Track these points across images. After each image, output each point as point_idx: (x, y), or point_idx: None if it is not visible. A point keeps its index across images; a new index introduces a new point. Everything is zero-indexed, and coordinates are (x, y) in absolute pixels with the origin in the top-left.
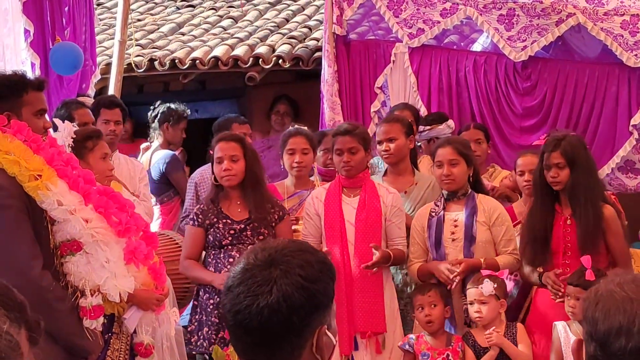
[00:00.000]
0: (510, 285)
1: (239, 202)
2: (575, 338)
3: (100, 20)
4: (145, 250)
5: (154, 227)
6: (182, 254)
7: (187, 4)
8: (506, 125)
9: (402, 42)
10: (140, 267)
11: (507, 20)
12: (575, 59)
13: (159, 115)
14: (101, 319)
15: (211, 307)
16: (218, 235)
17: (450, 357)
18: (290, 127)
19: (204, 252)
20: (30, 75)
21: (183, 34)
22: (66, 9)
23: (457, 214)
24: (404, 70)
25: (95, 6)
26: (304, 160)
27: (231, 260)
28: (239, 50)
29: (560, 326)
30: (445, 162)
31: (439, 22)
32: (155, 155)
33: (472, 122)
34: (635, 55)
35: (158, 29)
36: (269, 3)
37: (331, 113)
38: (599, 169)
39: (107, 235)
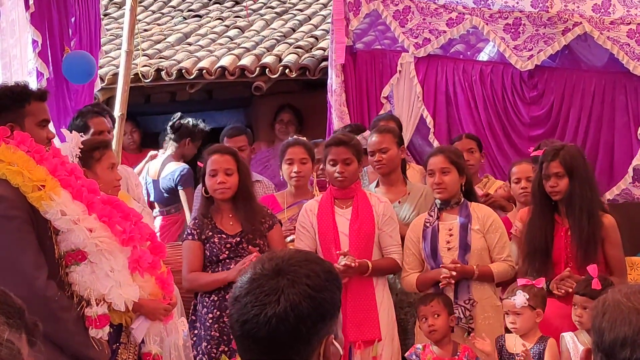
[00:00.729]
0: None
1: (230, 215)
2: (583, 348)
3: (107, 30)
4: (150, 259)
5: None
6: (183, 269)
7: (194, 14)
8: (514, 134)
9: (408, 51)
10: (147, 277)
11: (513, 30)
12: (582, 67)
13: (182, 128)
14: (107, 328)
15: (210, 321)
16: (214, 250)
17: None
18: (289, 138)
19: None
20: (34, 85)
21: (190, 44)
22: (73, 19)
23: (451, 223)
24: (410, 80)
25: (102, 16)
26: (302, 169)
27: None
28: (246, 60)
29: (568, 337)
30: (436, 170)
31: (445, 31)
32: (167, 166)
33: (463, 133)
34: None
35: (165, 39)
36: (276, 13)
37: (340, 122)
38: (614, 180)
39: (111, 244)
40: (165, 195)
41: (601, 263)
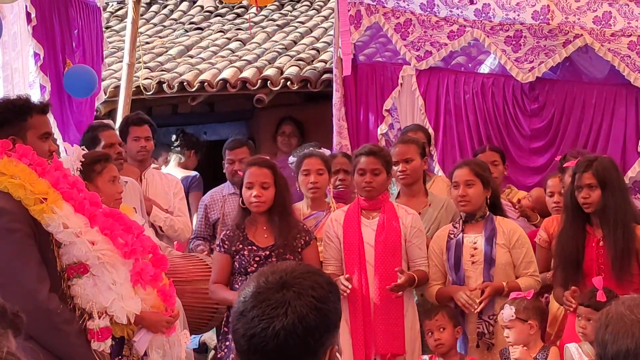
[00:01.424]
0: None
1: (265, 228)
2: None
3: (109, 43)
4: (152, 272)
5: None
6: (210, 279)
7: (195, 26)
8: (514, 147)
9: (409, 64)
10: (149, 289)
11: (514, 42)
12: (583, 80)
13: (187, 140)
14: (109, 341)
15: None
16: (243, 262)
17: None
18: (305, 149)
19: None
20: (35, 98)
21: (191, 57)
22: (75, 32)
23: (475, 237)
24: (411, 93)
25: (103, 29)
26: (319, 180)
27: None
28: (247, 73)
29: (573, 348)
30: (461, 182)
31: (446, 44)
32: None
33: (487, 144)
34: None
35: (166, 51)
36: (277, 25)
37: (338, 137)
38: None
39: (113, 257)
40: None
41: (636, 275)
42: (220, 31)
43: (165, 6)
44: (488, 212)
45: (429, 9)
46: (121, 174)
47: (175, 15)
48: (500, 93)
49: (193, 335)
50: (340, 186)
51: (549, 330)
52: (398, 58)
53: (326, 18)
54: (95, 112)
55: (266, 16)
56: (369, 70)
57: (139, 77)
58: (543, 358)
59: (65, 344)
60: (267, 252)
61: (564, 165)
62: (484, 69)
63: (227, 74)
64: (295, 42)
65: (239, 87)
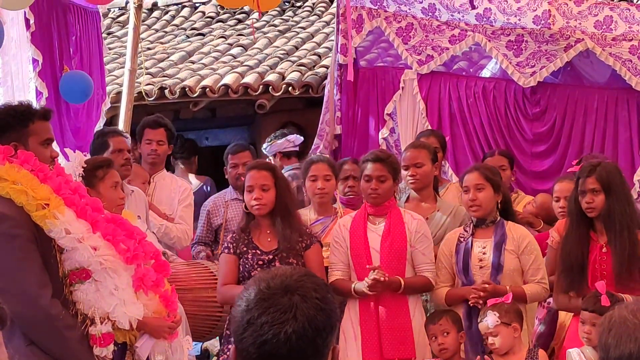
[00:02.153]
0: (542, 313)
1: (268, 232)
2: None
3: (110, 49)
4: (154, 277)
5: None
6: (218, 282)
7: (197, 32)
8: (517, 151)
9: (411, 68)
10: (151, 295)
11: (515, 46)
12: (584, 84)
13: (191, 147)
14: (111, 347)
15: None
16: (247, 265)
17: None
18: (312, 155)
19: None
20: (35, 104)
21: (193, 62)
22: (73, 38)
23: (485, 241)
24: (413, 97)
25: (105, 35)
26: (326, 186)
27: None
28: (249, 78)
29: (574, 353)
30: (471, 187)
31: (447, 48)
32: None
33: (496, 149)
34: None
35: (168, 57)
36: (279, 31)
37: (318, 140)
38: None
39: (116, 262)
40: None
41: (639, 281)
42: (222, 37)
43: (167, 12)
44: (499, 218)
45: (430, 14)
46: (131, 175)
47: (176, 21)
48: (501, 97)
49: (195, 342)
50: (349, 193)
51: (558, 335)
52: (399, 62)
53: (327, 23)
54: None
55: (268, 22)
56: (371, 74)
57: (140, 83)
58: None
59: (67, 349)
60: (271, 257)
61: (568, 170)
62: (486, 73)
63: (228, 79)
64: (296, 48)
65: (240, 93)
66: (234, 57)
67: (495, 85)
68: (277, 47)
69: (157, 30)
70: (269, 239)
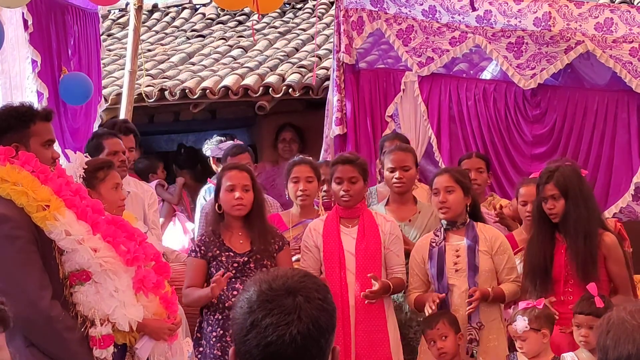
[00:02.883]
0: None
1: (240, 233)
2: None
3: (111, 50)
4: (154, 279)
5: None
6: (184, 284)
7: (197, 34)
8: (517, 153)
9: (411, 70)
10: (151, 297)
11: (516, 48)
12: (585, 86)
13: (196, 158)
14: (111, 349)
15: (214, 339)
16: (222, 268)
17: None
18: (295, 157)
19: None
20: (36, 105)
21: (193, 64)
22: (72, 40)
23: (458, 244)
24: (414, 99)
25: (105, 37)
26: (308, 188)
27: (235, 292)
28: (249, 80)
29: (568, 358)
30: (441, 189)
31: (448, 50)
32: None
33: (474, 151)
34: None
35: (168, 59)
36: (279, 32)
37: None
38: (616, 198)
39: (116, 264)
40: None
41: (604, 281)
42: (222, 38)
43: (167, 14)
44: (469, 219)
45: (430, 16)
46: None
47: (177, 23)
48: (502, 99)
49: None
50: (325, 197)
51: None
52: (400, 64)
53: (328, 25)
54: (95, 120)
55: (268, 23)
56: (371, 76)
57: (140, 85)
58: None
59: (67, 351)
60: (245, 259)
61: (530, 177)
62: (486, 75)
63: (228, 81)
64: (297, 50)
65: (240, 94)
66: (234, 58)
67: (496, 87)
68: (278, 48)
69: (157, 32)
70: (241, 241)
